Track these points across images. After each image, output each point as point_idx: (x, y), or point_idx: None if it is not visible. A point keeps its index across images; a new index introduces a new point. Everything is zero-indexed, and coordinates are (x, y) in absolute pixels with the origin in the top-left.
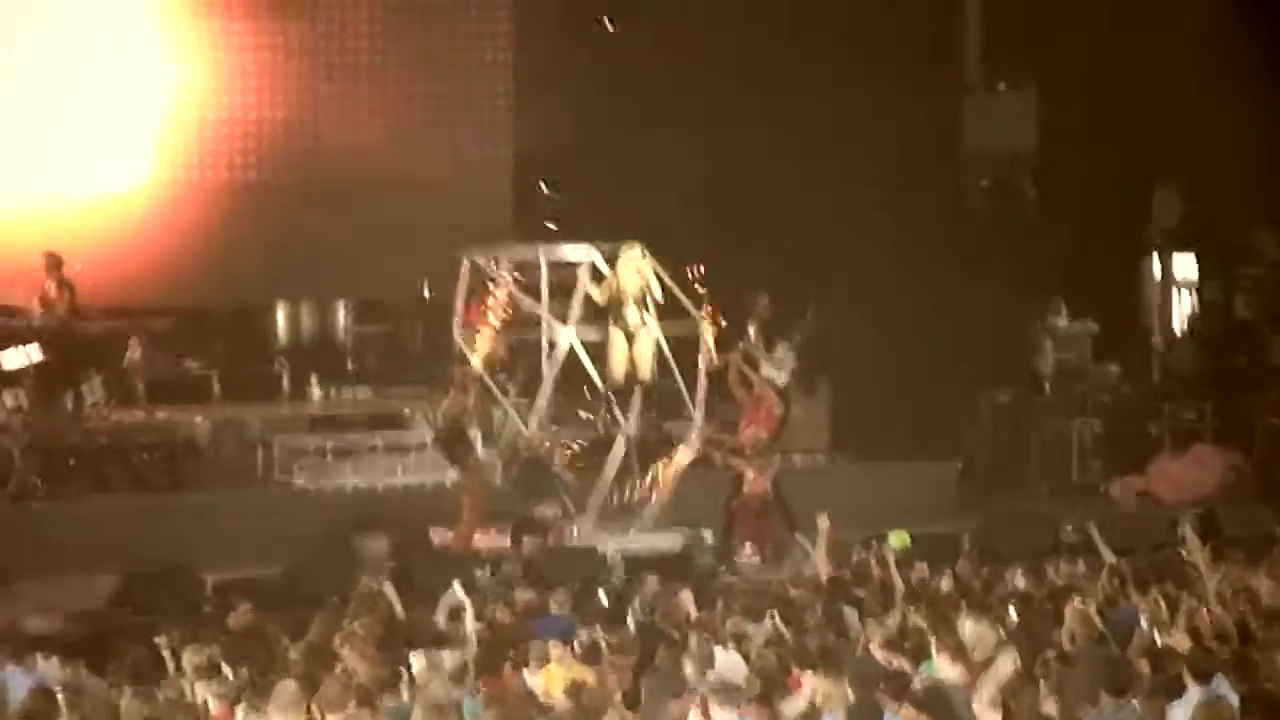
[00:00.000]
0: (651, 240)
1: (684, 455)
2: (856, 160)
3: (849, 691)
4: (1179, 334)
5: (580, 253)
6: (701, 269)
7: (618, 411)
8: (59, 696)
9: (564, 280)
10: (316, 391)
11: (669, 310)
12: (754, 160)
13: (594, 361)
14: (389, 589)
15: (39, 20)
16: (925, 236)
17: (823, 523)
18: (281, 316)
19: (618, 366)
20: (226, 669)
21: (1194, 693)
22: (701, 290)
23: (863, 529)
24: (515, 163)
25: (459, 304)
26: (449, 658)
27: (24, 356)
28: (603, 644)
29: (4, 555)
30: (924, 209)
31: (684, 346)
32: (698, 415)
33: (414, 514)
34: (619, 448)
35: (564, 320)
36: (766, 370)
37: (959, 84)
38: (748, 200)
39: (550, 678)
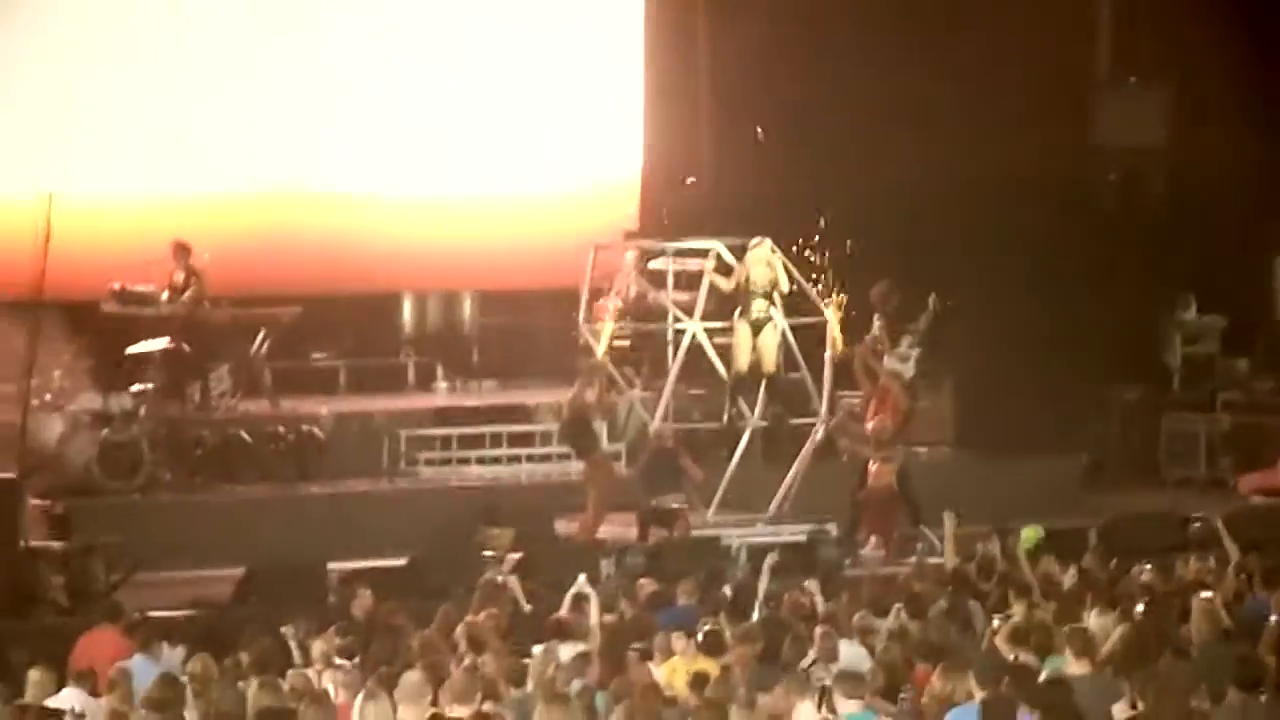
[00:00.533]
0: (780, 233)
1: (809, 447)
2: (986, 153)
3: (974, 686)
4: None
5: (707, 245)
6: (826, 257)
7: (743, 403)
8: (185, 685)
9: (691, 274)
10: (443, 383)
11: (797, 303)
12: (882, 154)
13: (720, 355)
14: (513, 581)
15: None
16: (1054, 229)
17: (949, 519)
18: (408, 308)
19: (743, 359)
20: (350, 658)
21: None
22: (827, 283)
23: (988, 522)
24: (645, 158)
25: (585, 296)
26: (573, 650)
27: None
28: (727, 636)
29: (132, 545)
30: (1053, 202)
31: (811, 339)
32: (823, 407)
33: (539, 506)
34: (745, 439)
35: (690, 313)
36: (891, 362)
37: (1090, 76)
38: (876, 195)
39: (673, 671)
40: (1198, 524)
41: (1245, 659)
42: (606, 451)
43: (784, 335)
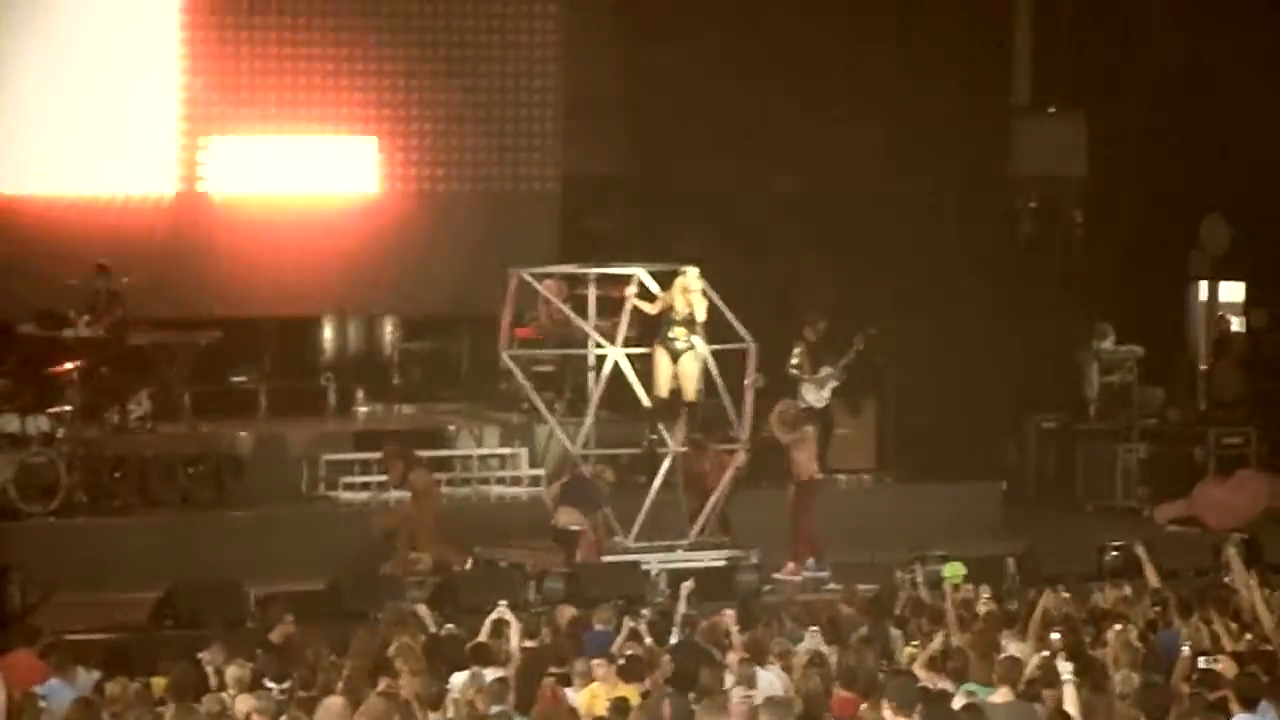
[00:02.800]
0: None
1: (730, 473)
2: (905, 180)
3: (888, 713)
4: (1225, 359)
5: (629, 271)
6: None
7: (663, 430)
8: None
9: (612, 299)
10: (363, 407)
11: (720, 330)
12: (799, 179)
13: (642, 381)
14: (422, 609)
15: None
16: (973, 257)
17: None
18: (329, 331)
19: (663, 385)
20: (269, 683)
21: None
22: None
23: (907, 548)
24: (564, 185)
25: (506, 321)
26: (491, 674)
27: None
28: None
29: (48, 568)
30: (972, 230)
31: (731, 366)
32: (743, 434)
33: (458, 529)
34: (665, 465)
35: (611, 340)
36: (807, 390)
37: (1009, 105)
38: (793, 220)
39: (593, 697)
40: (1114, 552)
41: (1152, 687)
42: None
43: (704, 362)
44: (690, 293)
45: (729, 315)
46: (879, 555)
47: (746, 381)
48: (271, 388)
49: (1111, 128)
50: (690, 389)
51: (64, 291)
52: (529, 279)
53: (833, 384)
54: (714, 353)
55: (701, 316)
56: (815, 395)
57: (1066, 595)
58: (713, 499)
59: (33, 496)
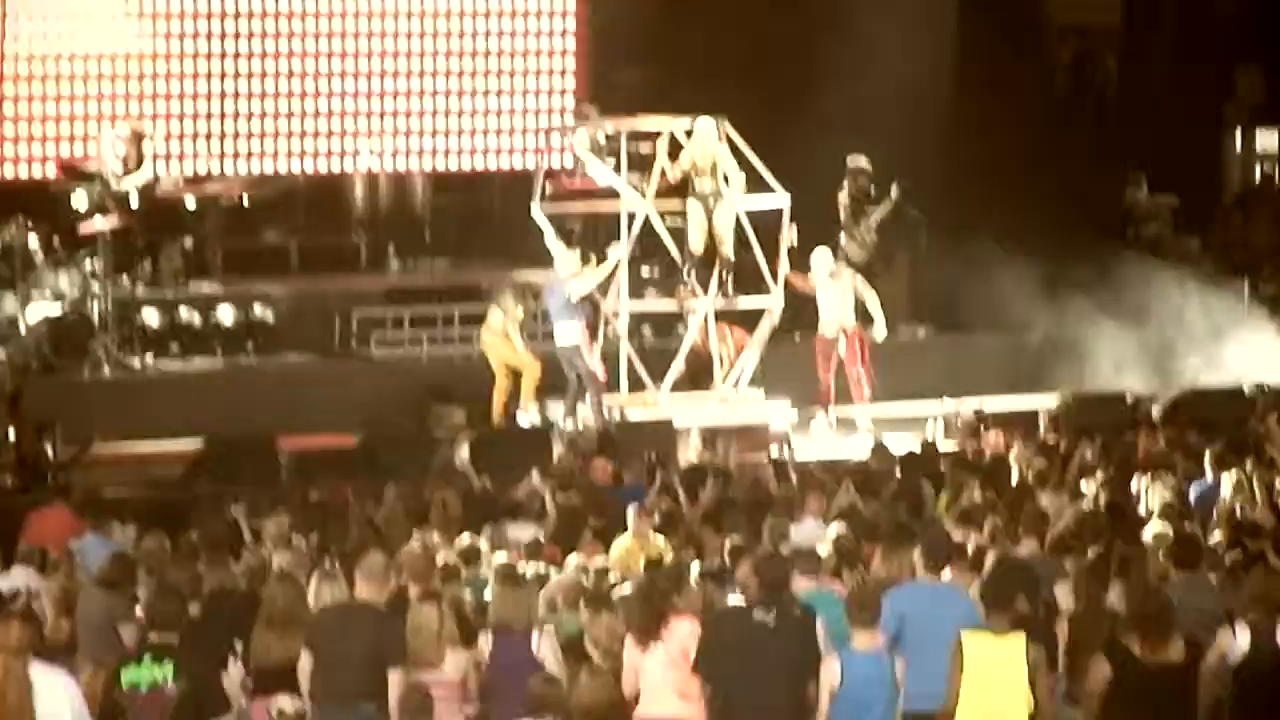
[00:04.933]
0: (733, 115)
1: (764, 328)
2: (938, 33)
3: (918, 566)
4: (1261, 208)
5: (658, 125)
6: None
7: (695, 283)
8: (137, 563)
9: (642, 154)
10: (394, 262)
11: (753, 184)
12: (831, 32)
13: (675, 236)
14: (465, 462)
15: None
16: (1006, 109)
17: None
18: (360, 187)
19: (696, 238)
20: (300, 539)
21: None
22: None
23: (944, 398)
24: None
25: (539, 177)
26: (527, 531)
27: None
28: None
29: (83, 422)
30: (1005, 81)
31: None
32: (778, 289)
33: (491, 385)
34: (697, 319)
35: (642, 193)
36: (847, 242)
37: None
38: (825, 73)
39: (628, 553)
40: (1151, 402)
41: (1184, 539)
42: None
43: (738, 218)
44: (705, 144)
45: (761, 168)
46: (915, 406)
47: (781, 236)
48: (302, 243)
49: None
50: (724, 242)
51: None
52: (562, 134)
53: (872, 237)
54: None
55: (728, 167)
56: (855, 248)
57: (1102, 446)
58: (748, 352)
59: (66, 352)
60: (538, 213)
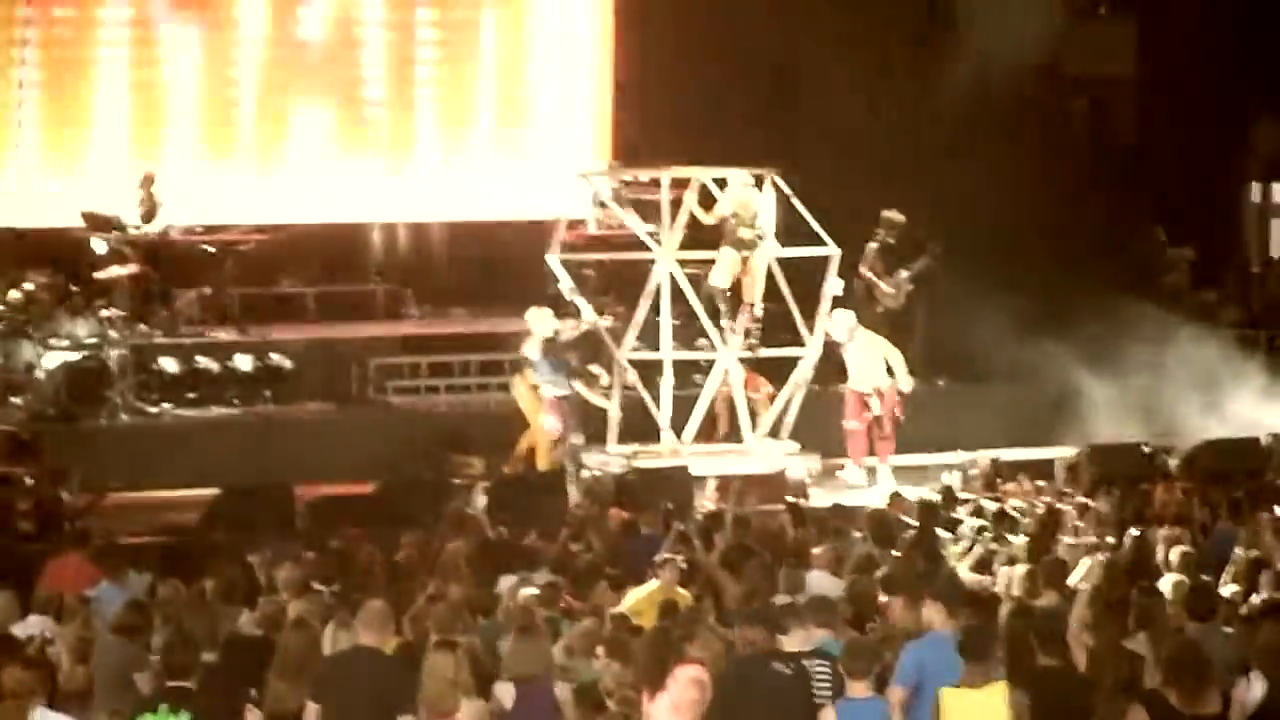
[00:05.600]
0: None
1: (799, 377)
2: (954, 81)
3: (935, 616)
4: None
5: (689, 174)
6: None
7: (713, 332)
8: (153, 611)
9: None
10: (412, 311)
11: (793, 233)
12: (852, 87)
13: (695, 286)
14: (480, 510)
15: None
16: (1022, 160)
17: None
18: (378, 236)
19: (724, 279)
20: (318, 586)
21: None
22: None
23: (959, 451)
24: (614, 87)
25: (562, 226)
26: (541, 579)
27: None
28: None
29: (99, 470)
30: (1022, 132)
31: (804, 272)
32: (813, 341)
33: (510, 435)
34: (718, 369)
35: (661, 243)
36: (881, 294)
37: (1060, 5)
38: (844, 131)
39: (643, 600)
40: (1166, 455)
41: (1199, 590)
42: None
43: (770, 269)
44: (745, 193)
45: (808, 218)
46: (930, 458)
47: (826, 287)
48: (320, 292)
49: (1163, 27)
50: (753, 291)
51: (115, 195)
52: (587, 179)
53: (907, 288)
54: (792, 259)
55: (763, 218)
56: (892, 298)
57: (1119, 497)
58: (775, 404)
59: (83, 399)
60: (554, 261)
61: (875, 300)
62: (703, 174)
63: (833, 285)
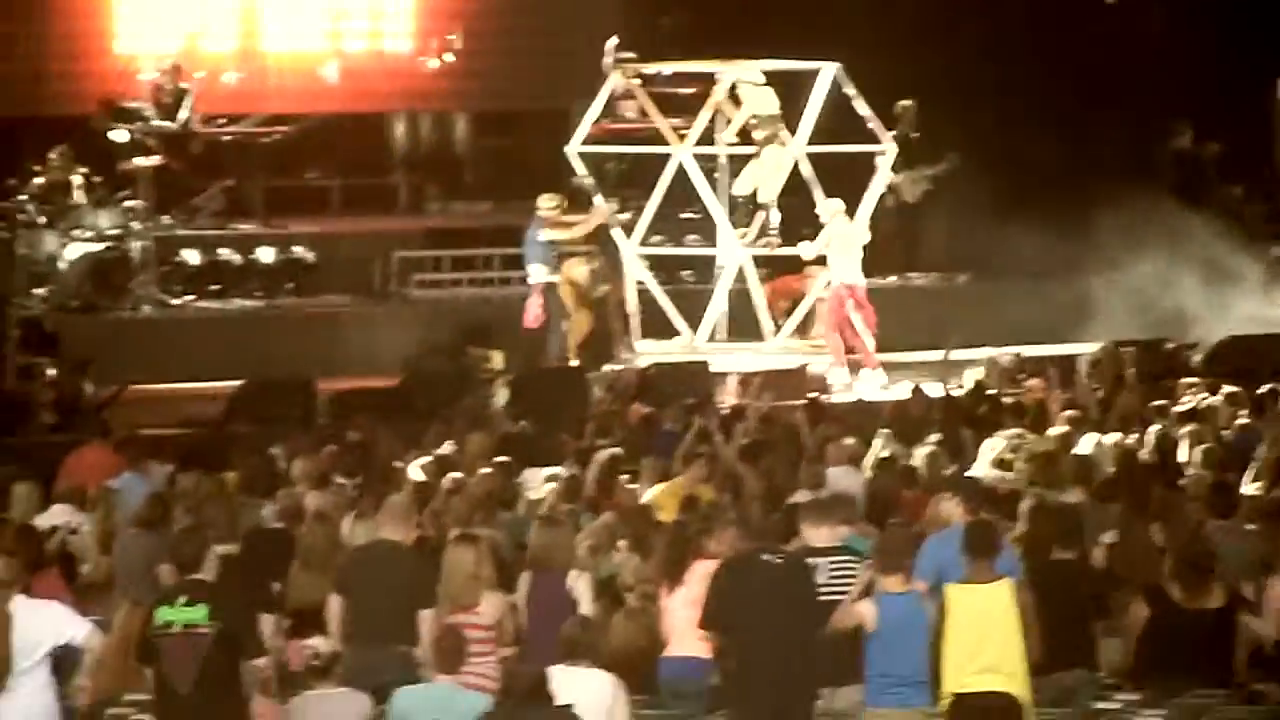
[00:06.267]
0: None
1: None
2: None
3: (956, 511)
4: None
5: (714, 69)
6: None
7: (725, 228)
8: (173, 503)
9: (682, 97)
10: (434, 204)
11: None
12: None
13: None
14: (499, 406)
15: None
16: (1049, 54)
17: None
18: (400, 128)
19: (743, 183)
20: (339, 479)
21: None
22: None
23: (982, 347)
24: None
25: (591, 117)
26: (563, 472)
27: None
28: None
29: (121, 361)
30: (1051, 25)
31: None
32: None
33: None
34: (732, 266)
35: (683, 138)
36: (901, 186)
37: None
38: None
39: (666, 495)
40: (1191, 350)
41: (1221, 486)
42: None
43: (795, 165)
44: (756, 95)
45: (866, 114)
46: (954, 354)
47: (872, 184)
48: (343, 184)
49: None
50: (767, 189)
51: (138, 86)
52: (617, 69)
53: (925, 186)
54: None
55: (771, 112)
56: (910, 190)
57: (1142, 394)
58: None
59: (106, 291)
60: (572, 153)
61: (890, 192)
62: (735, 69)
63: (880, 183)
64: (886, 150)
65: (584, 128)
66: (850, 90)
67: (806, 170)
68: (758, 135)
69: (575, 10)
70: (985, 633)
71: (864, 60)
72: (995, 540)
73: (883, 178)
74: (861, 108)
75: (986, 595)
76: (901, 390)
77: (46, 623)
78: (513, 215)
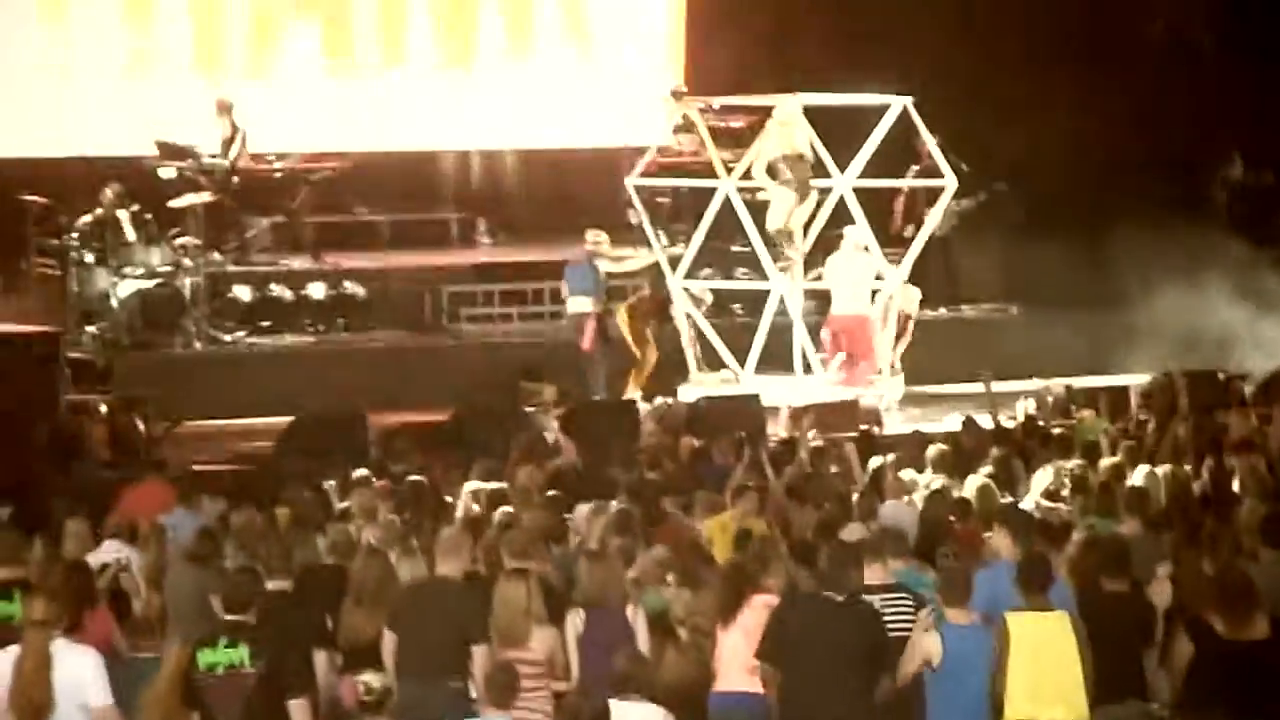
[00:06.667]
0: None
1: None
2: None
3: (1006, 544)
4: None
5: (771, 102)
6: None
7: (769, 264)
8: (223, 539)
9: (733, 131)
10: (485, 239)
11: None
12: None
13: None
14: (558, 435)
15: None
16: (1101, 81)
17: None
18: (452, 165)
19: (779, 219)
20: (390, 514)
21: None
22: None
23: (1035, 378)
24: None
25: (651, 153)
26: (616, 506)
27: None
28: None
29: (174, 397)
30: (1101, 52)
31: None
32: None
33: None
34: (773, 299)
35: (729, 172)
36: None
37: None
38: (927, 52)
39: (720, 528)
40: (1244, 380)
41: (1274, 518)
42: None
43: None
44: (787, 126)
45: (933, 149)
46: (1007, 385)
47: (927, 218)
48: (394, 220)
49: None
50: (778, 222)
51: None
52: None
53: (952, 221)
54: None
55: (804, 149)
56: (940, 223)
57: (1195, 424)
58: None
59: (158, 327)
60: (630, 186)
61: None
62: (792, 101)
63: (935, 217)
64: (947, 185)
65: (644, 160)
66: (919, 123)
67: (853, 204)
68: (784, 172)
69: (630, 46)
70: (1046, 662)
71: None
72: (1049, 572)
73: (939, 212)
74: (929, 141)
75: (1045, 625)
76: (953, 422)
77: (75, 672)
78: (563, 250)
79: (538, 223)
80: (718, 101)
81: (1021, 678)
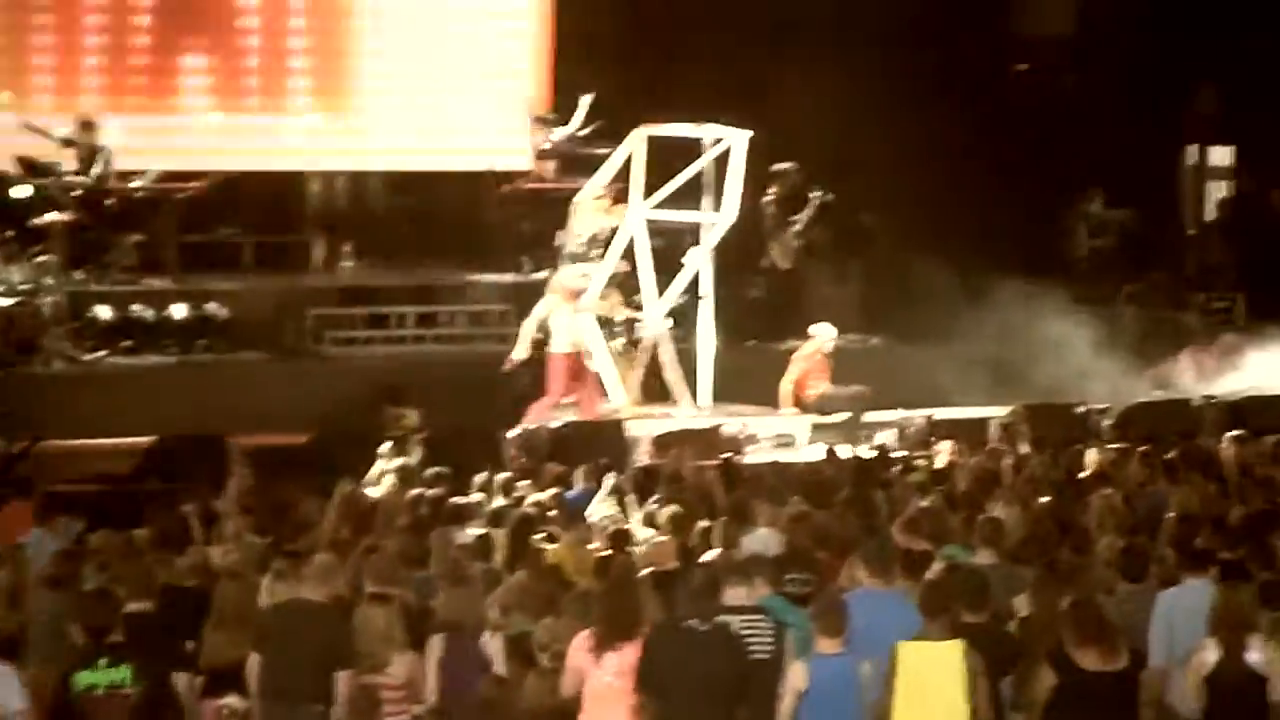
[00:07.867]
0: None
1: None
2: (895, 47)
3: (863, 574)
4: (1212, 224)
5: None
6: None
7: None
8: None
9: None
10: (349, 262)
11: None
12: (789, 40)
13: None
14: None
15: None
16: (963, 119)
17: None
18: (316, 186)
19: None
20: (251, 536)
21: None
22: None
23: (896, 408)
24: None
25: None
26: (476, 532)
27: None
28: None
29: (33, 417)
30: (962, 92)
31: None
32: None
33: (445, 386)
34: (651, 329)
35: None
36: (772, 250)
37: None
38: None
39: (573, 555)
40: (1101, 414)
41: (1132, 550)
42: None
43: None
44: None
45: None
46: (866, 416)
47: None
48: (257, 241)
49: None
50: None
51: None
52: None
53: (794, 245)
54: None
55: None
56: (780, 254)
57: (1052, 457)
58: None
59: (17, 346)
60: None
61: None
62: (659, 130)
63: (697, 254)
64: (719, 222)
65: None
66: (739, 159)
67: (642, 235)
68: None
69: (496, 71)
70: (933, 693)
71: (781, 126)
72: (947, 601)
73: (703, 251)
74: (734, 177)
75: (937, 654)
76: (816, 452)
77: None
78: (427, 274)
79: (403, 245)
80: (578, 130)
81: (908, 710)
